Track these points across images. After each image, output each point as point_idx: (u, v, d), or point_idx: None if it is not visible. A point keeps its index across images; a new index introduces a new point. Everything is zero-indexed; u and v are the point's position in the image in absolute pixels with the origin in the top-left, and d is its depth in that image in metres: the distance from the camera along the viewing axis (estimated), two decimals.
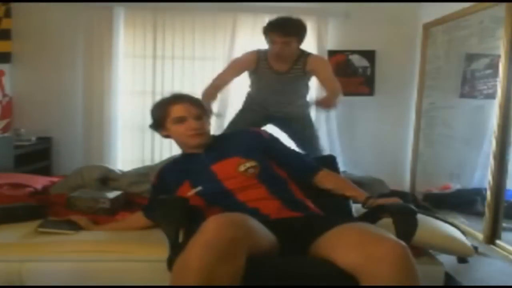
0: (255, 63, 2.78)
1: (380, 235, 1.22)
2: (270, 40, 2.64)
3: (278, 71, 2.75)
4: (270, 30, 2.62)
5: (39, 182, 2.64)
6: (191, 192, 1.66)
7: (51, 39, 3.94)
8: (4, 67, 3.84)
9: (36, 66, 3.96)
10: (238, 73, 2.90)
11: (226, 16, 3.93)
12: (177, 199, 1.63)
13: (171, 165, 1.86)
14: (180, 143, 1.81)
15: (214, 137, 1.85)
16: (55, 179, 2.76)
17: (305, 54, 2.77)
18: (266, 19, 3.90)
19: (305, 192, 1.74)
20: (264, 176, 1.65)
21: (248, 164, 1.65)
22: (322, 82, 2.86)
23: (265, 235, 1.33)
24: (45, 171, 3.76)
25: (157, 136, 4.15)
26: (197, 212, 1.62)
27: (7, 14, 3.80)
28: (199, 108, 1.78)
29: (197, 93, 3.83)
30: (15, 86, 3.95)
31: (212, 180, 1.66)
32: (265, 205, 1.57)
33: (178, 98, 1.78)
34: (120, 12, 3.91)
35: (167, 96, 1.83)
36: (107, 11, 3.85)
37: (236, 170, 1.65)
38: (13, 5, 3.83)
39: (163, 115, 1.76)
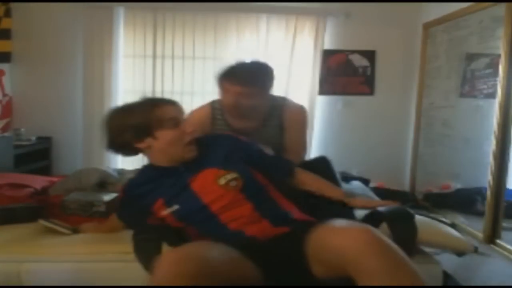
0: (210, 121, 2.05)
1: (341, 229, 1.11)
2: (222, 90, 1.92)
3: (240, 130, 1.95)
4: (223, 75, 1.91)
5: (38, 182, 2.64)
6: (166, 211, 1.47)
7: (51, 39, 3.94)
8: (4, 66, 3.84)
9: (36, 66, 3.96)
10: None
11: (226, 16, 3.93)
12: (154, 230, 1.47)
13: (139, 178, 1.60)
14: (162, 155, 1.50)
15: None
16: (54, 179, 2.76)
17: (278, 103, 2.03)
18: (266, 19, 3.99)
19: (292, 195, 1.59)
20: (249, 189, 1.44)
21: (229, 176, 1.43)
22: (288, 142, 2.06)
23: (233, 266, 1.16)
24: (45, 171, 3.77)
25: None
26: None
27: (7, 13, 3.80)
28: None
29: (197, 93, 3.87)
30: (15, 86, 3.95)
31: (190, 197, 1.44)
32: (251, 226, 1.37)
33: (166, 100, 1.53)
34: (120, 12, 3.90)
35: (144, 99, 1.53)
36: (107, 11, 3.85)
37: (215, 184, 1.42)
38: (13, 5, 3.84)
39: (150, 117, 1.45)
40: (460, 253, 1.90)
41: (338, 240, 1.07)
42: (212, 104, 2.07)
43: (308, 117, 2.16)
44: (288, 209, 1.49)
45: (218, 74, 1.92)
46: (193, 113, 2.11)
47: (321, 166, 1.87)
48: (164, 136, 1.46)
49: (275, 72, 1.97)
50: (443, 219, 2.05)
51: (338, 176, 1.92)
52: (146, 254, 1.41)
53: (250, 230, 1.36)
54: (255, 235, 1.35)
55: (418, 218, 1.88)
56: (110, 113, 1.54)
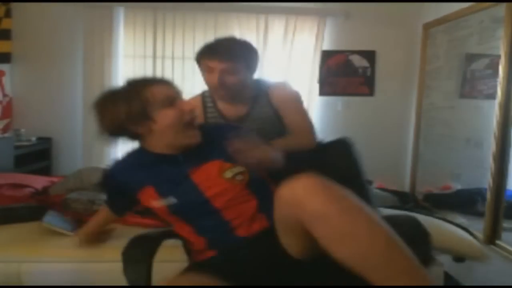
0: (201, 110, 1.92)
1: (284, 186, 1.05)
2: (205, 69, 1.77)
3: (232, 117, 1.86)
4: (203, 54, 1.76)
5: (39, 182, 2.64)
6: (159, 203, 1.34)
7: (51, 39, 3.94)
8: (4, 67, 3.84)
9: (36, 66, 3.96)
10: None
11: (226, 15, 3.94)
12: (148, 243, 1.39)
13: (127, 162, 1.46)
14: (163, 139, 1.35)
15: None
16: (55, 179, 2.76)
17: (264, 85, 1.88)
18: (266, 19, 3.99)
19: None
20: (254, 184, 1.34)
21: (235, 170, 1.32)
22: (290, 126, 1.86)
23: None
24: (45, 171, 3.77)
25: None
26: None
27: (7, 14, 3.80)
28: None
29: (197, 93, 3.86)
30: (15, 86, 3.95)
31: (190, 190, 1.32)
32: (253, 225, 1.30)
33: (158, 79, 1.40)
34: (120, 11, 3.91)
35: (133, 80, 1.39)
36: (107, 11, 3.85)
37: (220, 177, 1.31)
38: (13, 5, 3.84)
39: (145, 97, 1.31)
40: (458, 259, 1.85)
41: (284, 195, 1.03)
42: (203, 93, 1.95)
43: (301, 96, 1.93)
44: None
45: (197, 54, 1.79)
46: None
47: (341, 150, 1.73)
48: (163, 116, 1.31)
49: (257, 51, 1.85)
50: (458, 222, 2.01)
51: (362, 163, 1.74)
52: (135, 276, 1.34)
53: (250, 229, 1.29)
54: (249, 235, 1.28)
55: (431, 220, 1.84)
56: (101, 98, 1.37)
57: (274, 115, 1.84)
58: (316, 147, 1.78)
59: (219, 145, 1.35)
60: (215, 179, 1.32)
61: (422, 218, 1.46)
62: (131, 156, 1.45)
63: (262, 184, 1.37)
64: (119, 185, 1.44)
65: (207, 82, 1.78)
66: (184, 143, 1.35)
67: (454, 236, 1.79)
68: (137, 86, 1.34)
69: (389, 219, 1.29)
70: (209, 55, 1.73)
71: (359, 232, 0.92)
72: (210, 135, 1.42)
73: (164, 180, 1.35)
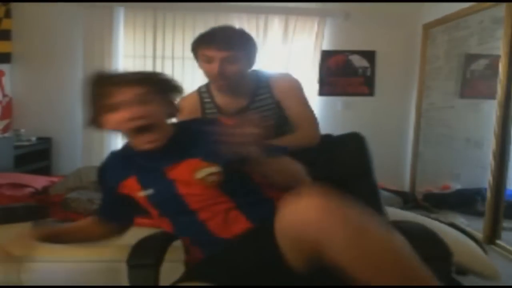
0: (199, 106, 1.84)
1: (292, 203, 0.99)
2: (203, 59, 1.69)
3: (231, 110, 1.78)
4: (201, 43, 1.69)
5: (39, 182, 2.65)
6: (140, 193, 1.33)
7: (51, 39, 3.94)
8: (4, 67, 3.84)
9: (36, 67, 3.96)
10: None
11: (226, 16, 3.93)
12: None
13: (113, 159, 1.45)
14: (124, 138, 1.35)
15: (174, 127, 1.38)
16: (55, 179, 2.76)
17: (264, 76, 1.82)
18: (266, 19, 3.99)
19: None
20: (229, 185, 1.27)
21: (208, 170, 1.25)
22: (293, 119, 1.79)
23: None
24: (45, 171, 3.76)
25: None
26: None
27: (7, 14, 3.80)
28: (141, 86, 1.27)
29: None
30: (15, 87, 3.95)
31: (165, 184, 1.29)
32: (231, 227, 1.25)
33: (110, 81, 1.29)
34: (120, 12, 3.91)
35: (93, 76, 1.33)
36: (107, 11, 3.85)
37: (191, 177, 1.26)
38: (13, 6, 3.84)
39: (92, 98, 1.30)
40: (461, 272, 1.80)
41: (291, 217, 0.97)
42: (199, 89, 1.87)
43: (303, 87, 1.86)
44: (274, 197, 1.29)
45: (193, 44, 1.71)
46: (180, 102, 1.82)
47: (353, 145, 1.66)
48: (106, 122, 1.28)
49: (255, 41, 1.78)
50: (458, 223, 1.97)
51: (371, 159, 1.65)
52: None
53: (230, 231, 1.24)
54: (231, 237, 1.23)
55: (447, 231, 1.75)
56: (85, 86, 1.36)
57: (276, 107, 1.78)
58: (326, 141, 1.74)
59: (201, 141, 1.30)
60: (188, 178, 1.27)
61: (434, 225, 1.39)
62: (118, 152, 1.45)
63: (242, 183, 1.29)
64: (107, 181, 1.42)
65: (206, 72, 1.71)
66: (140, 148, 1.29)
67: (468, 252, 1.72)
68: (93, 84, 1.31)
69: (405, 232, 1.25)
70: (207, 44, 1.66)
71: (373, 250, 0.92)
72: (191, 131, 1.38)
73: (144, 172, 1.33)
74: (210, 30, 1.70)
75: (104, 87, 1.26)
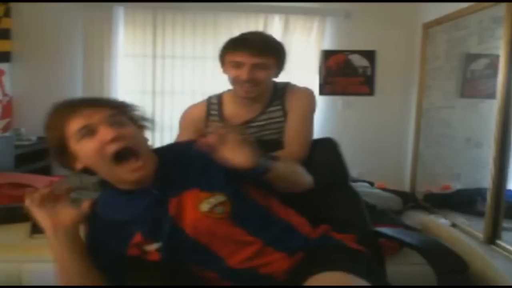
0: (204, 118, 1.79)
1: None
2: (231, 65, 1.67)
3: (236, 123, 1.71)
4: (232, 48, 1.67)
5: (39, 182, 2.64)
6: (150, 248, 1.13)
7: (51, 38, 3.93)
8: (4, 66, 3.83)
9: (36, 66, 3.95)
10: (195, 134, 1.75)
11: (226, 15, 3.93)
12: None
13: (105, 207, 1.20)
14: (107, 176, 1.15)
15: (157, 152, 1.19)
16: (55, 179, 2.76)
17: (281, 87, 1.79)
18: (266, 19, 3.98)
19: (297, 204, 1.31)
20: (242, 214, 1.13)
21: (213, 200, 1.09)
22: (286, 132, 1.73)
23: None
24: (45, 171, 3.75)
25: (157, 136, 4.14)
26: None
27: (7, 13, 3.80)
28: (111, 108, 1.12)
29: (198, 93, 3.86)
30: (15, 86, 3.94)
31: (171, 229, 1.10)
32: (260, 261, 1.12)
33: (74, 107, 1.12)
34: (120, 11, 3.90)
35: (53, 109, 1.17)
36: (107, 10, 3.84)
37: (197, 211, 1.10)
38: (13, 5, 3.82)
39: (60, 134, 1.12)
40: None
41: None
42: (210, 100, 1.81)
43: (315, 104, 1.80)
44: (299, 226, 1.23)
45: (222, 49, 1.70)
46: (185, 112, 1.87)
47: (325, 150, 1.65)
48: (82, 151, 1.09)
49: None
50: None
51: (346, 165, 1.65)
52: None
53: (264, 268, 1.11)
54: (271, 273, 1.11)
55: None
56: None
57: (284, 121, 1.74)
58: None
59: (193, 168, 1.15)
60: (192, 214, 1.10)
61: None
62: (105, 199, 1.21)
63: (255, 211, 1.16)
64: (103, 240, 1.16)
65: (234, 77, 1.67)
66: (127, 179, 1.10)
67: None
68: (54, 118, 1.14)
69: (421, 247, 1.23)
70: (239, 49, 1.64)
71: None
72: (171, 159, 1.19)
73: (145, 221, 1.12)
74: (240, 35, 1.70)
75: (73, 111, 1.09)
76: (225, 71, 1.72)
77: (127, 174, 1.09)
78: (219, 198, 1.11)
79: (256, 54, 1.61)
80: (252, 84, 1.64)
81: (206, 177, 1.12)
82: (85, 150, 1.08)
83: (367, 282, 1.04)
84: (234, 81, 1.69)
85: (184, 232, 1.10)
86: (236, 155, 1.04)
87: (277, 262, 1.12)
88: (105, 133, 1.06)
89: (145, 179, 1.11)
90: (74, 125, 1.08)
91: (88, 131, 1.07)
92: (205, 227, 1.10)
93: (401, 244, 1.38)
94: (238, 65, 1.64)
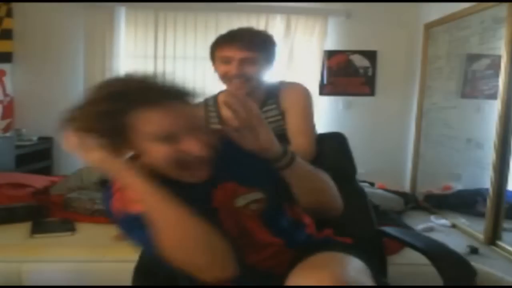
0: (205, 121, 1.72)
1: (318, 267, 0.93)
2: (221, 61, 1.65)
3: (233, 124, 1.58)
4: (220, 43, 1.64)
5: (40, 182, 2.65)
6: None
7: (52, 39, 3.94)
8: (6, 67, 3.84)
9: (37, 66, 3.96)
10: None
11: (227, 15, 3.94)
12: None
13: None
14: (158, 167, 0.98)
15: None
16: (55, 179, 2.76)
17: (274, 87, 1.74)
18: (267, 19, 3.98)
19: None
20: (271, 214, 1.08)
21: (250, 196, 1.03)
22: (288, 130, 1.71)
23: None
24: (46, 171, 3.77)
25: None
26: None
27: (9, 14, 3.80)
28: (187, 104, 0.99)
29: (198, 94, 3.85)
30: (16, 86, 3.95)
31: (215, 220, 0.97)
32: (278, 260, 1.07)
33: (157, 96, 0.95)
34: (121, 11, 3.91)
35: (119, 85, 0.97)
36: (108, 10, 3.85)
37: (232, 204, 1.04)
38: (15, 5, 3.84)
39: (123, 125, 0.94)
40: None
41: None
42: (206, 101, 1.77)
43: (311, 99, 1.76)
44: (310, 226, 1.20)
45: (212, 45, 1.67)
46: None
47: (335, 144, 1.60)
48: (151, 153, 0.95)
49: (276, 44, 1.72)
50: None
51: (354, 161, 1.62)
52: None
53: (277, 268, 1.06)
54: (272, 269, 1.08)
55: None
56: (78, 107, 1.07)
57: (281, 119, 1.71)
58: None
59: (233, 160, 1.05)
60: (228, 206, 1.04)
61: None
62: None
63: (280, 212, 1.11)
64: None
65: (222, 74, 1.65)
66: (186, 180, 1.00)
67: None
68: (123, 103, 0.93)
69: (430, 253, 1.20)
70: (227, 44, 1.62)
71: None
72: (225, 143, 1.06)
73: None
74: (229, 31, 1.66)
75: (153, 106, 0.92)
76: (215, 69, 1.70)
77: (188, 177, 0.99)
78: (256, 195, 1.05)
79: (244, 48, 1.58)
80: (242, 80, 1.61)
81: (243, 170, 1.04)
82: (158, 155, 0.94)
83: (362, 262, 1.01)
84: (224, 77, 1.66)
85: (222, 225, 1.01)
86: (260, 137, 0.96)
87: (288, 261, 1.08)
88: (192, 146, 0.94)
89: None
90: (153, 125, 0.92)
91: (169, 138, 0.94)
92: (236, 222, 1.05)
93: (403, 244, 1.36)
94: (227, 60, 1.62)
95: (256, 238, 1.07)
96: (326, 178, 1.11)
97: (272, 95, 1.73)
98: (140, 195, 0.91)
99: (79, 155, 0.94)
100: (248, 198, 1.03)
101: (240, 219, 1.05)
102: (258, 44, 1.62)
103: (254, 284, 1.05)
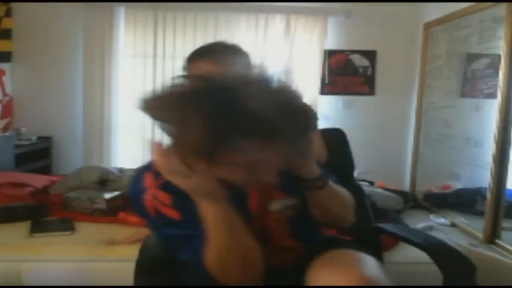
0: None
1: (344, 265, 0.94)
2: None
3: None
4: (191, 59, 1.64)
5: (39, 181, 2.65)
6: None
7: (52, 38, 3.94)
8: (5, 66, 3.84)
9: (36, 66, 3.96)
10: None
11: (227, 15, 3.94)
12: None
13: None
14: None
15: None
16: (55, 179, 2.77)
17: None
18: (267, 19, 3.98)
19: None
20: (298, 222, 1.09)
21: (286, 202, 1.02)
22: None
23: None
24: (45, 170, 3.77)
25: (157, 136, 4.18)
26: None
27: (8, 13, 3.80)
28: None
29: None
30: (15, 86, 3.95)
31: (247, 217, 0.97)
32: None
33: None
34: (121, 11, 3.91)
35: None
36: (107, 10, 3.85)
37: (266, 207, 1.03)
38: (14, 5, 3.83)
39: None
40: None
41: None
42: None
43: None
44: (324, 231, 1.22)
45: (185, 62, 1.65)
46: None
47: (334, 140, 1.60)
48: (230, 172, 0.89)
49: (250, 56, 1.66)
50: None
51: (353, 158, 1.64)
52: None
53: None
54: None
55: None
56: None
57: None
58: None
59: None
60: (262, 208, 1.03)
61: None
62: None
63: (306, 219, 1.09)
64: None
65: None
66: (229, 181, 0.94)
67: None
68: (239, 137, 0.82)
69: (429, 249, 1.20)
70: (198, 59, 1.61)
71: None
72: None
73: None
74: (201, 46, 1.66)
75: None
76: None
77: (255, 183, 0.94)
78: (292, 201, 1.03)
79: (215, 62, 1.56)
80: None
81: (283, 175, 0.97)
82: (235, 176, 0.90)
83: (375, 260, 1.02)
84: None
85: (254, 227, 0.99)
86: (305, 158, 0.95)
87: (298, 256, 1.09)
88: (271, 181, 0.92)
89: None
90: (248, 158, 0.85)
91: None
92: (266, 225, 1.04)
93: (402, 240, 1.36)
94: None
95: (281, 242, 1.07)
96: (347, 197, 1.11)
97: None
98: (213, 220, 0.90)
99: (174, 179, 0.88)
100: (284, 204, 1.01)
101: (268, 222, 1.05)
102: (230, 57, 1.60)
103: (264, 278, 1.01)
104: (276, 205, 1.00)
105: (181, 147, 0.85)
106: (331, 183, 1.05)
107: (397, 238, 1.40)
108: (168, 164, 0.88)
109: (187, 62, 1.66)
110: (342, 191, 1.10)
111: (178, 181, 0.87)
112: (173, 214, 0.96)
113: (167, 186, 0.94)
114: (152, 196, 0.98)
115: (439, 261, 1.15)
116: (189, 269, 1.00)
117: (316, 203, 1.05)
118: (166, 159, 0.87)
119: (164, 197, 0.97)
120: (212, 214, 0.90)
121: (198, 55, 1.62)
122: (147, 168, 1.01)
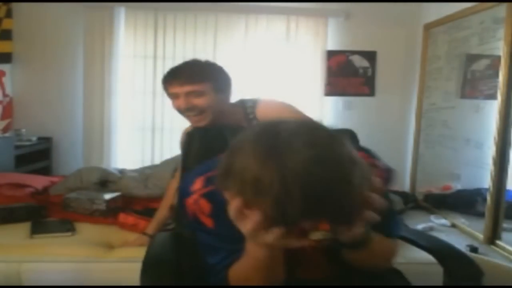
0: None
1: None
2: (171, 97, 1.67)
3: None
4: (166, 81, 1.67)
5: (39, 182, 2.65)
6: None
7: (52, 39, 3.94)
8: (5, 67, 3.84)
9: (36, 67, 3.96)
10: None
11: (227, 16, 3.94)
12: None
13: None
14: None
15: None
16: (55, 179, 2.77)
17: (250, 105, 1.71)
18: (267, 19, 3.98)
19: None
20: (332, 247, 1.04)
21: (326, 234, 0.95)
22: None
23: None
24: (45, 171, 3.77)
25: (157, 136, 4.16)
26: None
27: (8, 14, 3.80)
28: None
29: None
30: (15, 87, 3.95)
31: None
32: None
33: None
34: (121, 12, 3.91)
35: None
36: (108, 11, 3.85)
37: (306, 235, 0.95)
38: (14, 5, 3.84)
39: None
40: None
41: None
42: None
43: (295, 107, 1.73)
44: None
45: (162, 84, 1.69)
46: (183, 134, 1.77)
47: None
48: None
49: (226, 71, 1.70)
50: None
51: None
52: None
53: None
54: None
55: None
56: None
57: None
58: None
59: None
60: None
61: None
62: None
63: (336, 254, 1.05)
64: None
65: (177, 108, 1.65)
66: None
67: None
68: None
69: (436, 253, 1.20)
70: (170, 81, 1.64)
71: None
72: None
73: None
74: (172, 67, 1.69)
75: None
76: (172, 103, 1.69)
77: None
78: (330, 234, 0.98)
79: (186, 82, 1.60)
80: (196, 113, 1.61)
81: None
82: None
83: None
84: (179, 111, 1.66)
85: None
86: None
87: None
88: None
89: None
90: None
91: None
92: (302, 252, 1.01)
93: (409, 243, 1.35)
94: (175, 96, 1.63)
95: (311, 270, 1.08)
96: (388, 253, 1.08)
97: (251, 115, 1.69)
98: (255, 259, 0.91)
99: (236, 220, 0.85)
100: (324, 235, 0.94)
101: (307, 252, 1.04)
102: (201, 76, 1.63)
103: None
104: (317, 235, 0.94)
105: (271, 220, 0.81)
106: (374, 240, 0.97)
107: (404, 241, 1.39)
108: (244, 220, 0.83)
109: (162, 83, 1.68)
110: (385, 246, 1.05)
111: (242, 226, 0.84)
112: (208, 222, 1.00)
113: (211, 195, 0.96)
114: (194, 201, 1.02)
115: (446, 265, 1.14)
116: (211, 272, 1.03)
117: (353, 259, 1.02)
118: (242, 215, 0.83)
119: (205, 205, 1.00)
120: (258, 256, 0.89)
121: (170, 77, 1.65)
122: (202, 172, 1.03)
